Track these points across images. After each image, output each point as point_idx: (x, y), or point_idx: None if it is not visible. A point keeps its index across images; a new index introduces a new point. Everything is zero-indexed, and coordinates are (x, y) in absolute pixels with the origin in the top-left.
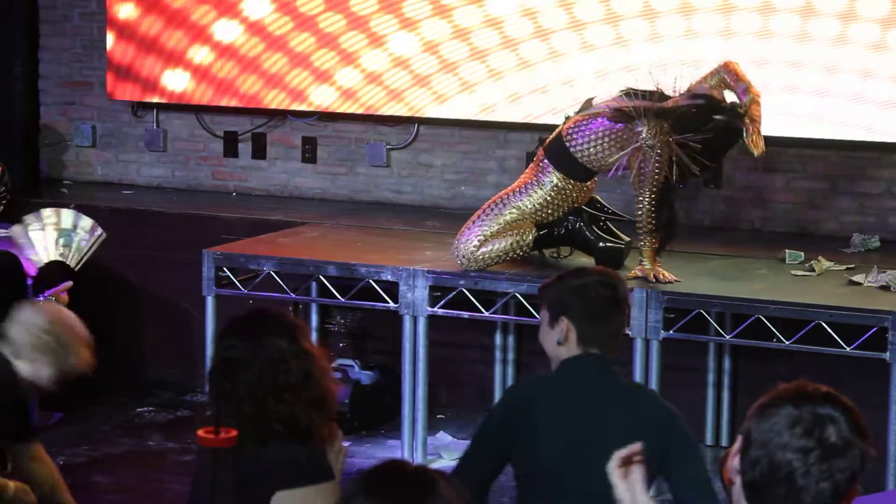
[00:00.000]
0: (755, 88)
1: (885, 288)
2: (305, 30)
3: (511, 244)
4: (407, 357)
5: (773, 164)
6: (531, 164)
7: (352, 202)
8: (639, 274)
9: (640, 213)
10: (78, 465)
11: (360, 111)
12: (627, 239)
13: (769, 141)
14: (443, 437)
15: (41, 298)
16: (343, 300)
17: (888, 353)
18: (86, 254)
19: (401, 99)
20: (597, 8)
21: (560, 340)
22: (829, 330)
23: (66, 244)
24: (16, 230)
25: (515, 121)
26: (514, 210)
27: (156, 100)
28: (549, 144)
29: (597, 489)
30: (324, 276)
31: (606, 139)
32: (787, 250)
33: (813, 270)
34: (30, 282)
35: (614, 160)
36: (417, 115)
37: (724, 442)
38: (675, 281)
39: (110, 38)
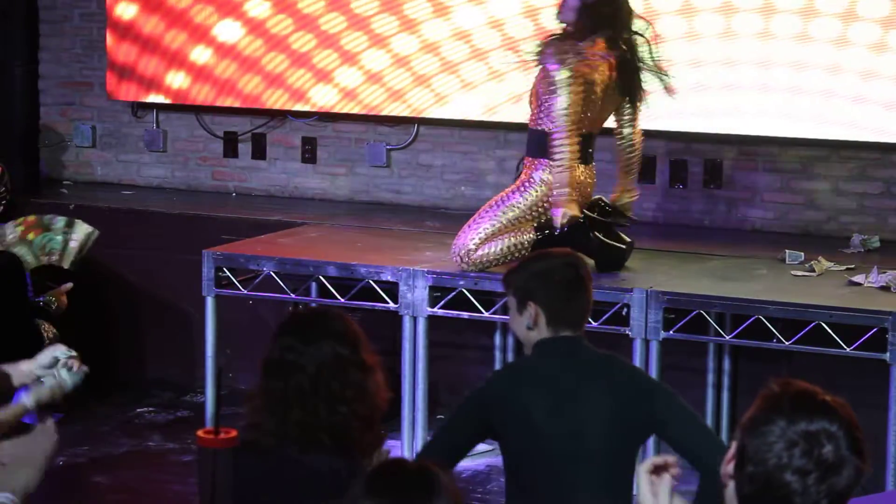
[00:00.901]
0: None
1: (886, 288)
2: (306, 30)
3: (509, 246)
4: (407, 357)
5: (773, 165)
6: (523, 169)
7: (352, 202)
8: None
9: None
10: (77, 466)
11: (360, 111)
12: (629, 240)
13: (768, 141)
14: None
15: (41, 300)
16: (343, 300)
17: (888, 354)
18: (79, 252)
19: (402, 99)
20: None
21: (530, 325)
22: (829, 330)
23: (50, 250)
24: None
25: (516, 121)
26: (512, 210)
27: (156, 100)
28: (527, 142)
29: (588, 457)
30: (323, 277)
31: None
32: (786, 250)
33: (813, 271)
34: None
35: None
36: (418, 115)
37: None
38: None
39: (110, 38)
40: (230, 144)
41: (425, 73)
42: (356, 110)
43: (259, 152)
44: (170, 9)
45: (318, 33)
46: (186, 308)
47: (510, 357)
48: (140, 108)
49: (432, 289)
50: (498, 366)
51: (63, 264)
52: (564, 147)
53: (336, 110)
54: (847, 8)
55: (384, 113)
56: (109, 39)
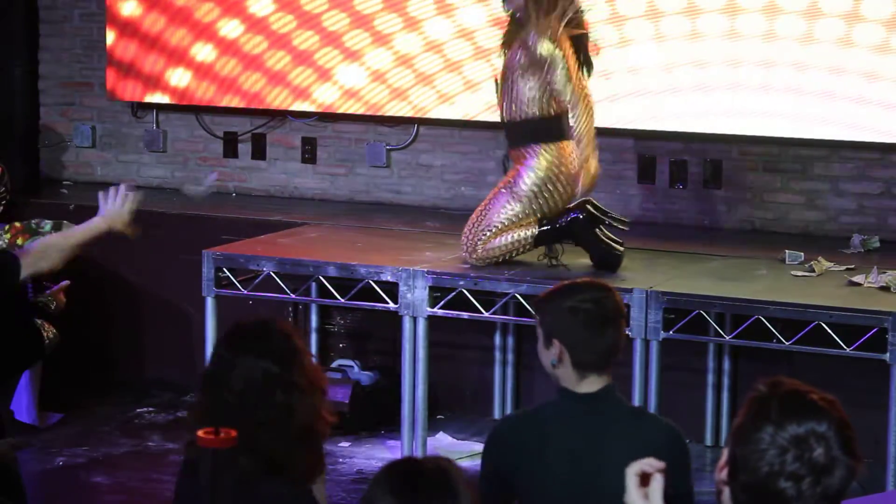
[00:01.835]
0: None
1: (885, 289)
2: (309, 28)
3: (514, 241)
4: (407, 357)
5: (773, 165)
6: (512, 164)
7: (351, 203)
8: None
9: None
10: (77, 466)
11: (362, 110)
12: (622, 248)
13: (768, 141)
14: (442, 437)
15: (40, 300)
16: (343, 301)
17: (888, 354)
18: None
19: (404, 98)
20: (602, 9)
21: (554, 362)
22: (829, 331)
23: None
24: None
25: None
26: (517, 203)
27: (156, 99)
28: (507, 136)
29: None
30: (323, 277)
31: (521, 81)
32: (786, 251)
33: (813, 271)
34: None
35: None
36: (420, 114)
37: (723, 443)
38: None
39: (111, 36)
40: (230, 145)
41: (428, 73)
42: (359, 109)
43: (259, 152)
44: (171, 6)
45: (319, 31)
46: (186, 308)
47: (510, 357)
48: (140, 108)
49: (432, 289)
50: (498, 366)
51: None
52: (581, 119)
53: (338, 109)
54: (850, 9)
55: (387, 112)
56: (110, 37)
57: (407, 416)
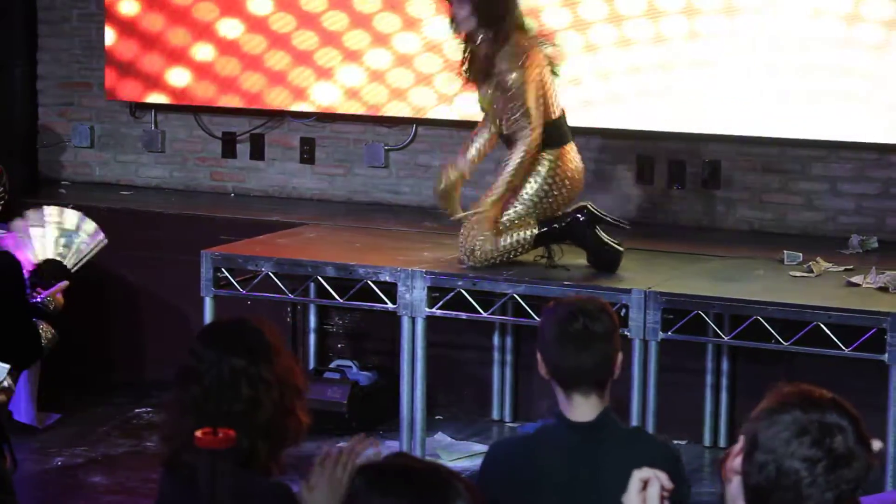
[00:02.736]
0: None
1: (884, 289)
2: (308, 28)
3: (513, 242)
4: (405, 358)
5: (770, 165)
6: None
7: (350, 203)
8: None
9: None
10: (76, 466)
11: (362, 110)
12: (621, 248)
13: (766, 142)
14: (441, 437)
15: (38, 299)
16: (341, 301)
17: (887, 355)
18: (84, 257)
19: (402, 98)
20: (601, 8)
21: (545, 376)
22: (828, 331)
23: (67, 244)
24: (16, 224)
25: None
26: (520, 206)
27: (155, 99)
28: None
29: None
30: (322, 277)
31: (509, 105)
32: (785, 251)
33: (811, 271)
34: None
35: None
36: (419, 115)
37: (721, 443)
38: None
39: (110, 35)
40: (229, 145)
41: (428, 73)
42: (358, 109)
43: (257, 153)
44: (170, 5)
45: (319, 30)
46: (185, 308)
47: (508, 358)
48: (138, 108)
49: (431, 289)
50: (496, 367)
51: (67, 263)
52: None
53: (337, 109)
54: (849, 10)
55: (387, 112)
56: (110, 36)
57: (405, 417)
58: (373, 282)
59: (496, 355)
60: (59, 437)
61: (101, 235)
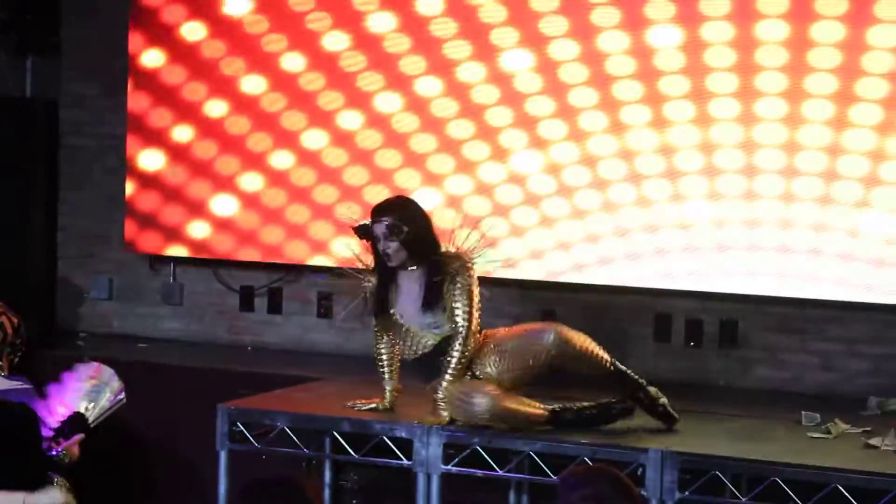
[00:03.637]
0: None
1: None
2: (329, 183)
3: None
4: None
5: (788, 325)
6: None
7: (367, 358)
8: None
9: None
10: None
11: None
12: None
13: (785, 301)
14: None
15: (54, 453)
16: (357, 457)
17: None
18: (105, 413)
19: None
20: (620, 168)
21: None
22: (847, 493)
23: (93, 399)
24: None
25: (535, 279)
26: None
27: (175, 252)
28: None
29: None
30: (337, 432)
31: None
32: (803, 412)
33: (829, 433)
34: (48, 433)
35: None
36: None
37: None
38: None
39: (130, 187)
40: (246, 299)
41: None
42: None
43: (275, 307)
44: (192, 157)
45: (339, 185)
46: (200, 463)
47: None
48: (157, 261)
49: (447, 446)
50: None
51: (89, 417)
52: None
53: (353, 263)
54: (867, 173)
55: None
56: (129, 188)
57: None
58: (388, 437)
59: None
60: None
61: (123, 395)
